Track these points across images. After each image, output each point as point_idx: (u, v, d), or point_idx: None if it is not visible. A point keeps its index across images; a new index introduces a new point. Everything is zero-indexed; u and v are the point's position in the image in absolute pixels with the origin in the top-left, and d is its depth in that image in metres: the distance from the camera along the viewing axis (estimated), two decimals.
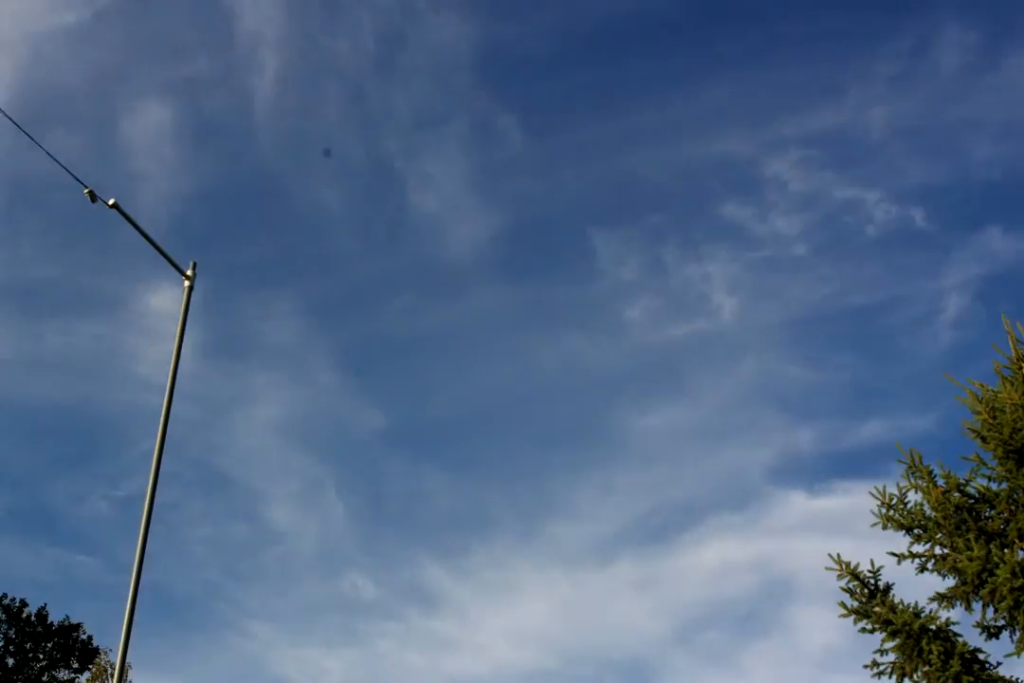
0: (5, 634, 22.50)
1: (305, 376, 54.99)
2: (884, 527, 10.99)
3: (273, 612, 44.27)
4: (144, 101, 51.85)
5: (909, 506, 10.83)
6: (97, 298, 53.05)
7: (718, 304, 52.01)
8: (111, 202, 9.41)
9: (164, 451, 8.74)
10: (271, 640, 42.72)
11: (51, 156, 9.10)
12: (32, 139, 9.10)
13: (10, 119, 9.09)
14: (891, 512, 10.96)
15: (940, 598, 10.29)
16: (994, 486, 10.25)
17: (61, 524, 47.12)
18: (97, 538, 46.27)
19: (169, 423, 8.92)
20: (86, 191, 9.30)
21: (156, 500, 8.37)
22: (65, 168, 9.17)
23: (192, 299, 9.50)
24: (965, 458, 10.42)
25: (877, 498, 11.05)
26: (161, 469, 8.72)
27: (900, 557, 10.79)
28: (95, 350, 51.94)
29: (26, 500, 44.46)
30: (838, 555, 10.83)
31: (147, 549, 8.32)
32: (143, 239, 9.47)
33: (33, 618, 23.05)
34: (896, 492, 10.95)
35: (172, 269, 9.61)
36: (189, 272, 9.68)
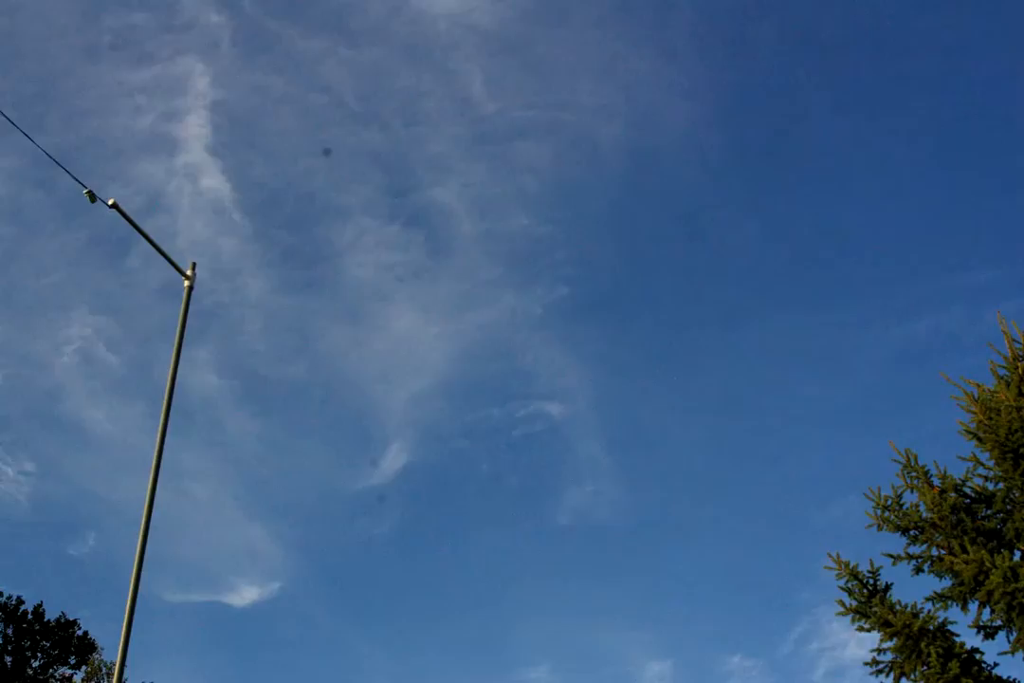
0: (3, 633, 22.39)
1: None
2: (879, 529, 11.00)
3: None
4: None
5: (905, 507, 10.85)
6: None
7: None
8: (111, 202, 9.40)
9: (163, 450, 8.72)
10: None
11: (51, 157, 9.08)
12: (31, 140, 9.08)
13: (9, 120, 9.09)
14: (886, 514, 10.97)
15: (937, 598, 10.31)
16: (991, 486, 10.28)
17: None
18: None
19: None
20: (85, 191, 9.28)
21: (156, 500, 8.35)
22: (65, 169, 9.16)
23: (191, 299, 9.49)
24: (962, 458, 10.46)
25: (872, 499, 11.06)
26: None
27: (896, 558, 10.81)
28: None
29: None
30: (837, 554, 10.85)
31: (147, 549, 8.29)
32: (143, 239, 9.46)
33: (30, 615, 22.98)
34: (891, 493, 10.97)
35: (173, 269, 9.61)
36: (189, 272, 9.67)
